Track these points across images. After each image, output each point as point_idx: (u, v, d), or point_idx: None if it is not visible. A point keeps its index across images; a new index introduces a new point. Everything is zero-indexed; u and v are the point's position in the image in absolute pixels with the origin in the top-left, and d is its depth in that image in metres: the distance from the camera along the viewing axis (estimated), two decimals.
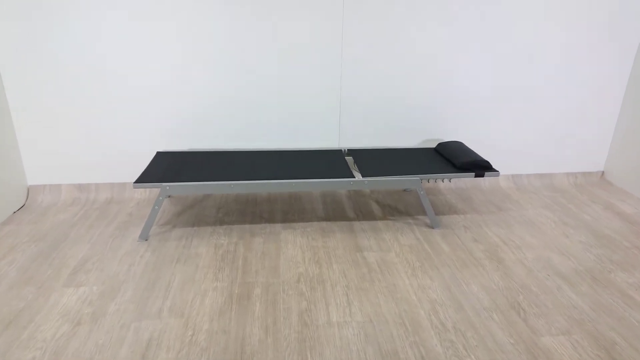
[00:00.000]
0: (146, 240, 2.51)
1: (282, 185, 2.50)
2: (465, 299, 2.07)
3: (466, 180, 3.39)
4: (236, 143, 3.13)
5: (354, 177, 2.59)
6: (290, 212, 2.90)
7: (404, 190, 3.28)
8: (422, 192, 2.64)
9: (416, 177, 2.63)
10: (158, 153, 2.89)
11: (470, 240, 2.59)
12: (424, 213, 2.92)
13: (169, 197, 3.06)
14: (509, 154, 3.40)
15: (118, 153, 3.03)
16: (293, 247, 2.48)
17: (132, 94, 2.90)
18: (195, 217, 2.81)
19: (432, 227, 2.74)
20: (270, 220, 2.80)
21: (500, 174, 3.42)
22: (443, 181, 2.80)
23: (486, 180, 3.41)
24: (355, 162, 2.80)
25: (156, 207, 2.45)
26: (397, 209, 2.99)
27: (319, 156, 2.91)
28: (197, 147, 3.08)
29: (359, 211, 2.94)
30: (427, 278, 2.24)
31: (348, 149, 3.09)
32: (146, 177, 2.50)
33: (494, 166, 3.37)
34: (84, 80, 2.83)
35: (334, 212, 2.90)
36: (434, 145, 3.24)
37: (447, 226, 2.75)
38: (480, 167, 2.68)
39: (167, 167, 2.64)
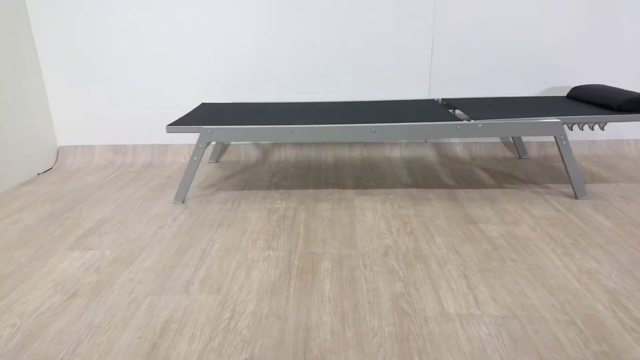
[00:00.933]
0: (183, 202, 1.94)
1: (357, 131, 1.82)
2: None
3: (604, 146, 2.50)
4: (300, 95, 2.52)
5: (462, 121, 1.85)
6: (364, 179, 2.21)
7: (519, 157, 2.47)
8: (564, 143, 1.83)
9: (556, 119, 1.83)
10: (203, 104, 2.34)
11: (639, 212, 1.75)
12: (559, 181, 2.09)
13: (216, 161, 2.50)
14: None
15: (158, 112, 2.53)
16: (373, 215, 1.78)
17: (176, 47, 2.40)
18: (246, 181, 2.20)
19: (576, 197, 1.91)
20: (340, 185, 2.12)
21: None
22: (593, 128, 1.96)
23: (632, 146, 2.50)
24: (456, 109, 2.06)
25: (195, 159, 1.87)
26: (514, 177, 2.18)
27: (404, 106, 2.20)
28: (253, 100, 2.51)
29: (461, 179, 2.18)
30: (590, 259, 1.43)
31: (443, 99, 2.35)
32: (184, 121, 1.94)
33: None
34: (121, 33, 2.38)
35: (424, 180, 2.17)
36: (562, 94, 2.41)
37: (597, 196, 1.91)
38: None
39: (211, 114, 2.07)
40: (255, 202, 1.93)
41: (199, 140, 1.84)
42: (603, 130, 1.97)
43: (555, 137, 1.83)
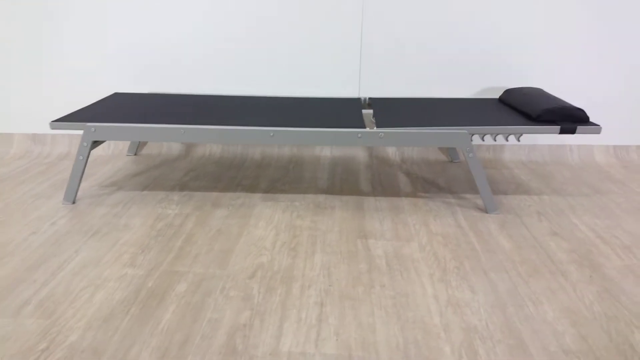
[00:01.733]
0: (73, 203, 1.85)
1: (254, 134, 1.70)
2: (532, 331, 1.16)
3: (545, 152, 2.38)
4: (225, 87, 2.38)
5: (364, 128, 1.73)
6: (281, 181, 2.10)
7: (451, 161, 2.35)
8: (471, 155, 1.72)
9: (462, 129, 1.71)
10: (115, 94, 2.21)
11: (548, 232, 1.64)
12: (475, 191, 1.99)
13: (134, 154, 2.39)
14: (610, 116, 2.33)
15: (79, 99, 2.41)
16: (266, 226, 1.68)
17: (100, 33, 2.26)
18: (154, 180, 2.10)
19: (487, 211, 1.81)
20: (251, 188, 2.01)
21: (599, 144, 2.37)
22: (507, 139, 1.85)
23: (575, 152, 2.38)
24: (375, 113, 1.94)
25: (80, 158, 1.76)
26: (435, 184, 2.07)
27: (324, 106, 2.08)
28: (182, 91, 2.38)
29: (379, 184, 2.07)
30: (465, 288, 1.34)
31: (370, 98, 2.22)
32: (72, 116, 1.82)
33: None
34: (46, 15, 2.23)
35: (341, 184, 2.06)
36: (497, 95, 2.28)
37: (511, 210, 1.80)
38: (569, 117, 1.70)
39: (113, 108, 1.95)
40: (148, 206, 1.83)
41: (82, 139, 1.73)
42: (519, 141, 1.85)
43: (463, 149, 1.71)
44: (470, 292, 1.33)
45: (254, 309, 1.24)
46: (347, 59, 2.29)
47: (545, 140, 2.42)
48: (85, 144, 1.74)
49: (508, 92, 2.05)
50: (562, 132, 1.67)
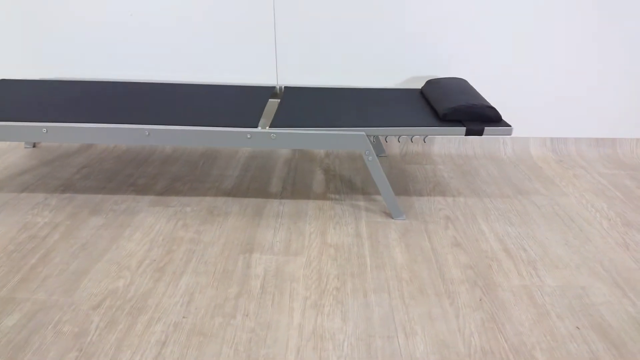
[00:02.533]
0: None
1: (126, 134, 1.51)
2: None
3: (476, 144, 2.23)
4: (138, 73, 2.16)
5: (256, 128, 1.55)
6: (183, 180, 1.92)
7: (378, 155, 2.18)
8: (370, 159, 1.55)
9: (360, 131, 1.54)
10: (2, 81, 1.98)
11: (450, 243, 1.50)
12: (394, 191, 1.84)
13: (33, 146, 2.18)
14: (547, 107, 2.18)
15: None
16: (141, 238, 1.51)
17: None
18: (40, 178, 1.90)
19: (392, 217, 1.66)
20: (143, 189, 1.83)
21: (536, 136, 2.22)
22: (412, 140, 1.69)
23: (509, 145, 2.23)
24: (278, 107, 1.75)
25: None
26: (350, 183, 1.92)
27: (230, 95, 1.87)
28: (83, 76, 2.14)
29: (291, 184, 1.91)
30: (337, 315, 1.21)
31: (285, 87, 2.02)
32: None
33: (510, 121, 2.17)
34: None
35: (248, 185, 1.89)
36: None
37: (419, 215, 1.66)
38: (478, 117, 1.54)
39: None
40: (18, 212, 1.64)
41: None
42: (425, 142, 1.69)
43: (362, 151, 1.54)
44: (341, 320, 1.19)
45: (82, 350, 1.08)
46: (263, 43, 2.08)
47: None
48: None
49: (429, 84, 1.86)
50: (467, 133, 1.51)
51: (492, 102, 2.18)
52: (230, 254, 1.44)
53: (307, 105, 1.75)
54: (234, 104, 1.76)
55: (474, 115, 1.53)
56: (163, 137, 1.53)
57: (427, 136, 1.57)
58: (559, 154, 2.21)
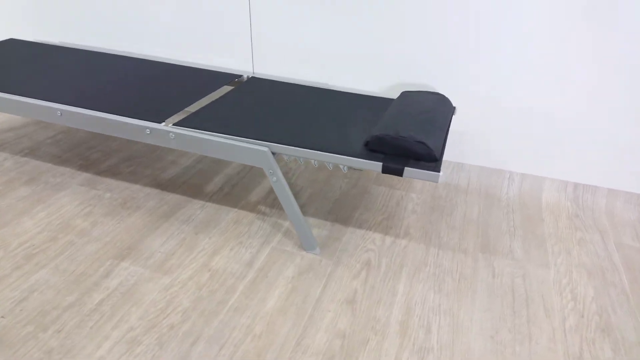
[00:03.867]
0: None
1: (39, 110, 1.47)
2: None
3: (475, 173, 1.81)
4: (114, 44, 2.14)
5: (159, 124, 1.40)
6: (133, 161, 1.87)
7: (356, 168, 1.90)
8: (274, 180, 1.31)
9: (263, 146, 1.30)
10: (10, 40, 2.10)
11: (344, 298, 1.21)
12: (329, 217, 1.57)
13: None
14: (577, 142, 1.66)
15: None
16: (42, 218, 1.48)
17: None
18: (20, 137, 1.99)
19: (304, 248, 1.42)
20: (88, 166, 1.81)
21: (555, 177, 1.73)
22: (330, 166, 1.41)
23: (516, 182, 1.77)
24: (217, 100, 1.57)
25: None
26: (298, 196, 1.68)
27: (173, 76, 1.73)
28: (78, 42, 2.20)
29: (231, 185, 1.73)
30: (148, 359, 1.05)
31: (251, 77, 1.82)
32: None
33: (524, 152, 1.69)
34: None
35: (192, 177, 1.76)
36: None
37: (337, 253, 1.38)
38: (404, 152, 1.19)
39: None
40: None
41: None
42: (345, 171, 1.37)
43: (266, 169, 1.31)
44: None
45: None
46: (237, 24, 1.89)
47: (475, 155, 1.84)
48: None
49: (401, 96, 1.52)
50: (384, 170, 1.18)
51: (503, 123, 1.73)
52: (102, 257, 1.35)
53: (245, 102, 1.55)
54: (173, 90, 1.63)
55: (399, 149, 1.19)
56: (73, 119, 1.47)
57: (344, 165, 1.27)
58: (580, 206, 1.70)
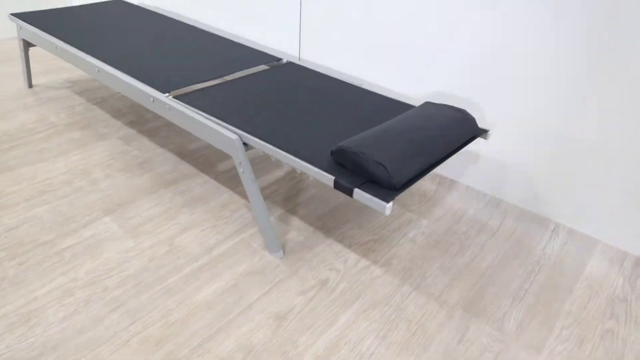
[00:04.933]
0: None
1: (79, 61, 1.62)
2: None
3: (513, 214, 1.50)
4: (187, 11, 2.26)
5: (164, 93, 1.43)
6: (174, 127, 1.97)
7: None
8: (242, 171, 1.25)
9: (233, 134, 1.24)
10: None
11: (271, 314, 1.12)
12: (314, 222, 1.45)
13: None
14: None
15: None
16: (60, 162, 1.68)
17: None
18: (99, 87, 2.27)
19: (268, 250, 1.34)
20: (138, 123, 1.97)
21: (612, 243, 1.34)
22: (299, 171, 1.28)
23: (560, 237, 1.42)
24: (237, 80, 1.55)
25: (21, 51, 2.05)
26: (302, 194, 1.60)
27: (216, 50, 1.76)
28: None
29: (226, 172, 1.72)
30: None
31: (288, 62, 1.76)
32: (34, 14, 2.08)
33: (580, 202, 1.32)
34: None
35: (217, 153, 1.80)
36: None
37: (303, 261, 1.28)
38: (360, 170, 1.02)
39: (78, 16, 2.12)
40: (39, 106, 2.03)
41: (18, 34, 1.98)
42: (310, 178, 1.20)
43: (235, 157, 1.25)
44: None
45: None
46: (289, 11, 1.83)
47: (518, 194, 1.51)
48: (21, 39, 2.01)
49: (420, 107, 1.31)
50: (336, 186, 1.02)
51: (559, 161, 1.39)
52: (94, 207, 1.47)
53: (259, 88, 1.50)
54: (205, 62, 1.66)
55: (357, 166, 1.02)
56: (106, 78, 1.60)
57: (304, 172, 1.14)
58: (635, 288, 1.28)
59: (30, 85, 2.24)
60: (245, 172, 1.25)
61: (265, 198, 1.57)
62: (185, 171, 1.68)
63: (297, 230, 1.43)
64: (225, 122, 1.28)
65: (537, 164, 1.45)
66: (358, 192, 0.99)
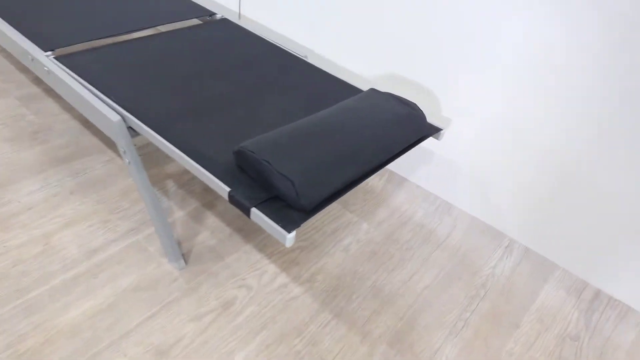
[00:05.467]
0: None
1: None
2: None
3: (460, 226, 1.30)
4: None
5: (45, 52, 1.13)
6: None
7: None
8: (127, 161, 0.99)
9: (114, 115, 0.96)
10: None
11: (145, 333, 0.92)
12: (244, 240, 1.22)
13: None
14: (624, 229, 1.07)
15: None
16: None
17: None
18: None
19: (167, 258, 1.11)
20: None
21: (578, 276, 1.17)
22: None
23: (509, 258, 1.23)
24: (149, 38, 1.25)
25: None
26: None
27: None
28: None
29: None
30: None
31: (223, 18, 1.45)
32: None
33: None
34: None
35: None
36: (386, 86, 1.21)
37: (209, 273, 1.05)
38: (263, 181, 0.78)
39: None
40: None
41: None
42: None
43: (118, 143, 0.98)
44: None
45: None
46: None
47: (473, 200, 1.30)
48: None
49: (362, 95, 1.04)
50: (230, 201, 0.79)
51: (521, 170, 1.18)
52: None
53: (173, 51, 1.21)
54: (110, 11, 1.33)
55: (260, 176, 0.78)
56: None
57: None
58: (590, 325, 1.11)
59: None
60: (132, 164, 0.99)
61: (180, 186, 1.31)
62: (87, 145, 1.40)
63: (210, 231, 1.20)
64: (108, 96, 1.00)
65: (496, 170, 1.23)
66: (255, 213, 0.75)
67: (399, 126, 0.94)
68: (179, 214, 1.22)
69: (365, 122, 0.91)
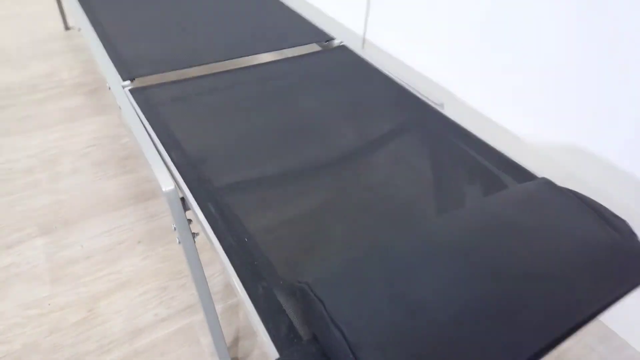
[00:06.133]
0: None
1: None
2: None
3: None
4: None
5: (124, 81, 0.94)
6: None
7: None
8: (178, 241, 0.74)
9: (171, 180, 0.71)
10: None
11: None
12: None
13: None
14: None
15: None
16: (38, 139, 1.31)
17: None
18: None
19: None
20: None
21: None
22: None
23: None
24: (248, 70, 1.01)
25: None
26: None
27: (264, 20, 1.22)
28: None
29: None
30: None
31: (342, 45, 1.15)
32: None
33: None
34: None
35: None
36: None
37: None
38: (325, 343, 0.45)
39: None
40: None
41: None
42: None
43: None
44: None
45: None
46: None
47: None
48: None
49: (532, 190, 0.66)
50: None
51: None
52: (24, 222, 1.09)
53: (272, 88, 0.95)
54: (247, 31, 1.13)
55: (309, 320, 0.45)
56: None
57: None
58: None
59: (67, 27, 1.94)
60: (184, 245, 0.75)
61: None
62: None
63: None
64: (169, 153, 0.77)
65: None
66: None
67: (597, 272, 0.53)
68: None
69: (531, 261, 0.52)
